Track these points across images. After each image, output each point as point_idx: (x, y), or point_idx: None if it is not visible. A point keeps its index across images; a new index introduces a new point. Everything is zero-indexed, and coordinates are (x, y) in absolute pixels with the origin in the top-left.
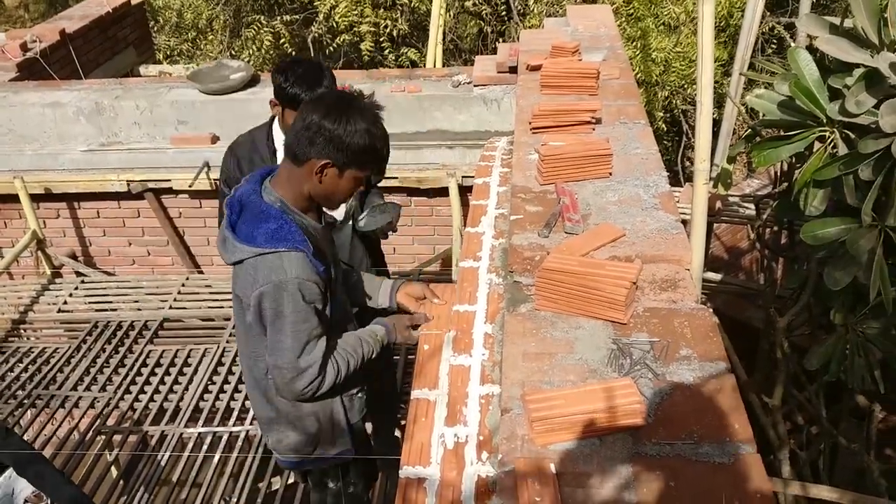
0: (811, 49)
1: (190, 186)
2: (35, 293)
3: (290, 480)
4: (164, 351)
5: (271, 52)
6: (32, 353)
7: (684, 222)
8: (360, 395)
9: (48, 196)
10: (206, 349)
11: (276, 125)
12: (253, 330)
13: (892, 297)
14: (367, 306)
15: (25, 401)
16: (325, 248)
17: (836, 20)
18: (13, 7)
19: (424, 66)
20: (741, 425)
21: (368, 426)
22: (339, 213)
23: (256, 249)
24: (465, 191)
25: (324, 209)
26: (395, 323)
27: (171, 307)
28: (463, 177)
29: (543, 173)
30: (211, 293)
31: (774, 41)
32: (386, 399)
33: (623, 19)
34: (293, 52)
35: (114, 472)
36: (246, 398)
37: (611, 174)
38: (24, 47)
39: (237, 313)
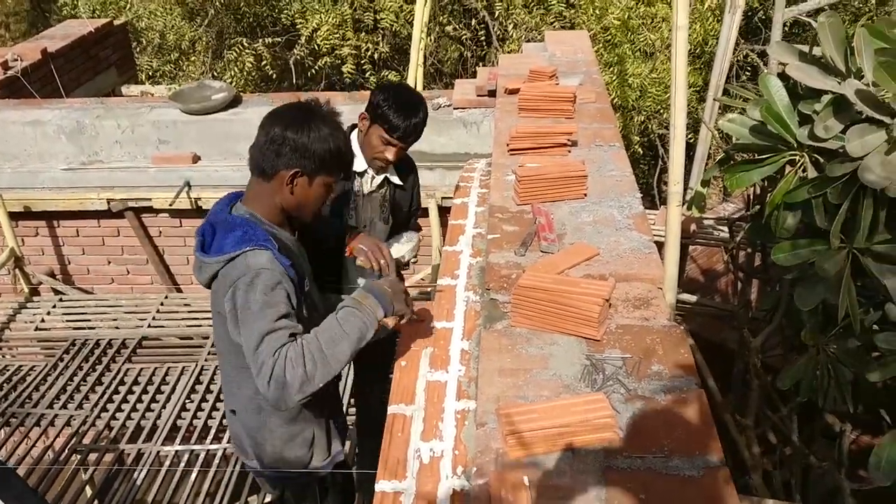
0: (783, 76)
1: (170, 205)
2: (12, 311)
3: (267, 499)
4: (141, 369)
5: (253, 73)
6: (8, 371)
7: (659, 244)
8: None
9: (27, 214)
10: (183, 367)
11: (353, 136)
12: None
13: (859, 317)
14: None
15: None
16: (298, 260)
17: (806, 48)
18: None
19: None
20: (711, 440)
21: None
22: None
23: (224, 257)
24: (444, 211)
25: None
26: (391, 287)
27: (149, 325)
28: (443, 198)
29: (520, 194)
30: (190, 312)
31: (748, 68)
32: (373, 419)
33: (600, 45)
34: (274, 75)
35: (88, 491)
36: (224, 417)
37: (586, 195)
38: (5, 66)
39: (220, 333)
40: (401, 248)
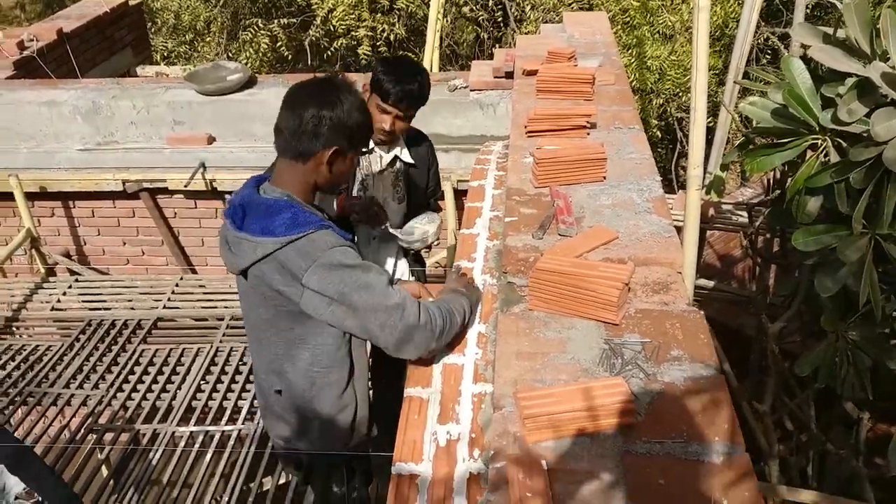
0: (805, 59)
1: (185, 186)
2: (28, 291)
3: (282, 481)
4: (157, 350)
5: (268, 54)
6: (25, 350)
7: (678, 229)
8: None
9: (43, 195)
10: (199, 349)
11: None
12: (299, 318)
13: (881, 304)
14: None
15: (17, 398)
16: None
17: (830, 30)
18: (9, 7)
19: None
20: (730, 425)
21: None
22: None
23: (282, 239)
24: (460, 194)
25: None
26: (464, 285)
27: (164, 307)
28: (458, 181)
29: (538, 176)
30: (205, 293)
31: (769, 51)
32: (389, 401)
33: (619, 27)
34: (289, 56)
35: (104, 470)
36: (239, 398)
37: (605, 178)
38: (20, 46)
39: (266, 315)
40: (424, 228)
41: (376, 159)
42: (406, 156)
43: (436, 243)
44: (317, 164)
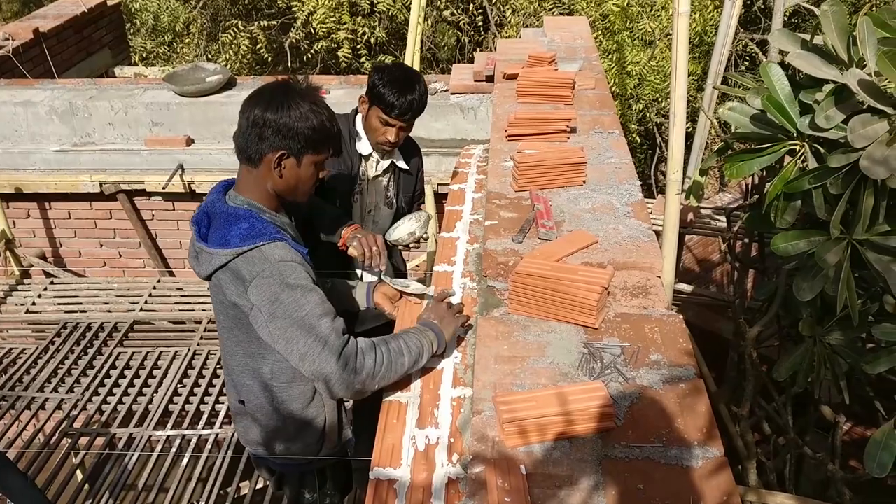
0: (783, 65)
1: (163, 188)
2: (2, 293)
3: (259, 485)
4: (133, 353)
5: (248, 56)
6: None
7: (657, 233)
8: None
9: (18, 196)
10: (176, 352)
11: (358, 118)
12: (254, 332)
13: (858, 309)
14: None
15: None
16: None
17: (808, 37)
18: None
19: None
20: (709, 429)
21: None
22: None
23: (234, 250)
24: (440, 198)
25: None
26: (438, 316)
27: (141, 309)
28: (439, 184)
29: (518, 180)
30: (182, 296)
31: (747, 58)
32: (369, 406)
33: (599, 32)
34: (269, 58)
35: (79, 475)
36: (217, 402)
37: (585, 182)
38: None
39: (227, 324)
40: (410, 224)
41: (372, 164)
42: (402, 163)
43: (425, 237)
44: (267, 169)
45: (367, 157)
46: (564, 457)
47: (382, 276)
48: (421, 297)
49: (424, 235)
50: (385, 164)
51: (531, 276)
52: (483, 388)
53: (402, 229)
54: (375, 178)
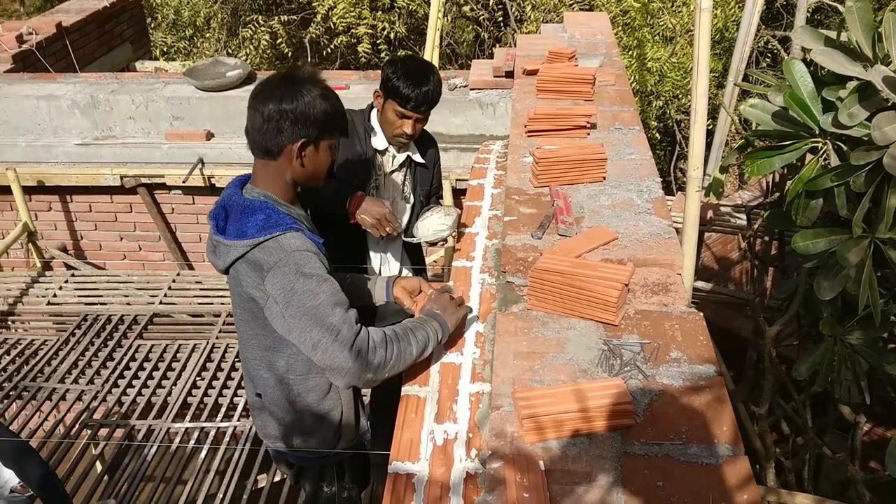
0: (805, 62)
1: (183, 182)
2: (24, 285)
3: (277, 478)
4: (153, 346)
5: (268, 51)
6: (20, 344)
7: (676, 231)
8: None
9: (40, 188)
10: (195, 345)
11: (373, 113)
12: (269, 324)
13: (880, 308)
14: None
15: (12, 392)
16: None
17: (831, 34)
18: (8, 0)
19: None
20: (729, 427)
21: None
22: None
23: (251, 241)
24: (458, 193)
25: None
26: (442, 307)
27: (161, 302)
28: (457, 179)
29: (538, 176)
30: (201, 289)
31: (769, 54)
32: (387, 400)
33: (619, 28)
34: (290, 53)
35: (98, 466)
36: (235, 394)
37: (605, 178)
38: (20, 39)
39: (244, 317)
40: (438, 222)
41: (388, 159)
42: (418, 157)
43: (453, 234)
44: (287, 160)
45: (383, 152)
46: (583, 453)
47: (404, 237)
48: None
49: (453, 233)
50: (401, 157)
51: (551, 272)
52: (502, 384)
53: (429, 228)
54: (392, 172)
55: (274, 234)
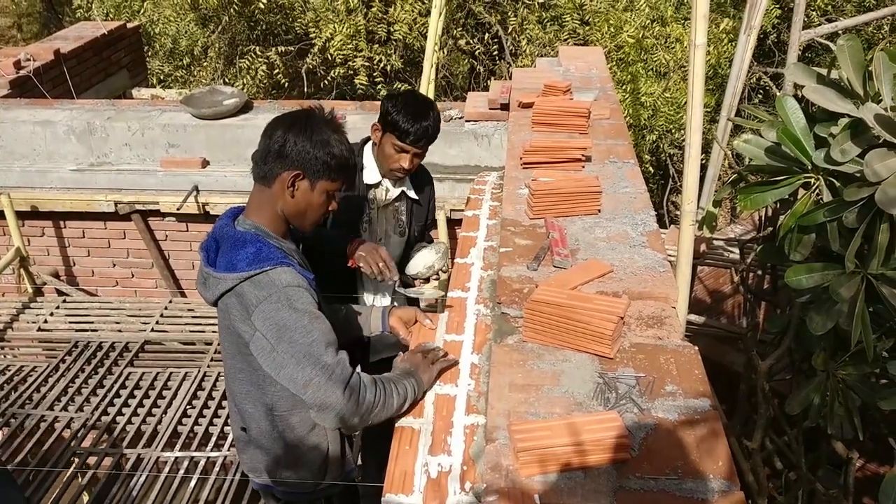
0: (797, 98)
1: (178, 209)
2: (15, 311)
3: None
4: (143, 373)
5: (265, 81)
6: (9, 371)
7: (670, 264)
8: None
9: (34, 214)
10: (186, 373)
11: (367, 148)
12: (254, 360)
13: (872, 343)
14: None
15: None
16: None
17: (823, 71)
18: (6, 27)
19: None
20: (724, 462)
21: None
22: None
23: (240, 275)
24: (453, 224)
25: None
26: (414, 365)
27: (152, 330)
28: (452, 210)
29: (534, 207)
30: (193, 317)
31: (760, 91)
32: (379, 432)
33: (614, 63)
34: (286, 83)
35: (86, 496)
36: (225, 424)
37: (600, 211)
38: (17, 65)
39: (231, 350)
40: (429, 257)
41: (382, 192)
42: (413, 193)
43: (445, 270)
44: (280, 189)
45: (376, 186)
46: (579, 487)
47: (396, 288)
48: (435, 305)
49: (444, 268)
50: (395, 192)
51: (546, 303)
52: (497, 416)
53: (420, 262)
54: (385, 206)
55: (264, 269)
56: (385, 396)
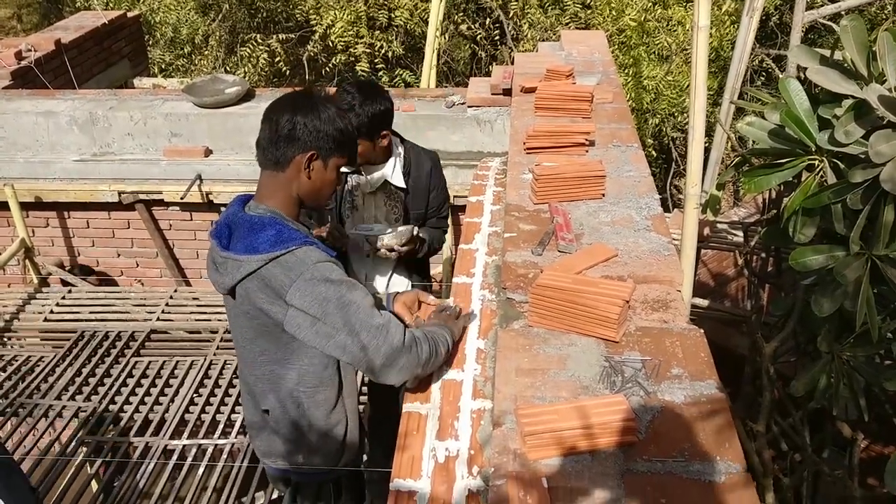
0: (800, 80)
1: (181, 199)
2: (21, 301)
3: (274, 496)
4: (150, 362)
5: (266, 69)
6: (16, 361)
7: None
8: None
9: (38, 205)
10: (192, 361)
11: None
12: (283, 338)
13: (877, 325)
14: None
15: (7, 410)
16: None
17: (826, 52)
18: (6, 17)
19: (419, 87)
20: (731, 444)
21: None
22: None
23: (265, 256)
24: (457, 209)
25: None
26: (442, 320)
27: (158, 319)
28: (455, 196)
29: (538, 192)
30: (199, 306)
31: (763, 73)
32: (387, 417)
33: (616, 47)
34: (287, 71)
35: (94, 484)
36: (233, 411)
37: (604, 195)
38: (18, 56)
39: (249, 335)
40: (390, 236)
41: (364, 181)
42: (398, 180)
43: (401, 248)
44: (296, 172)
45: (357, 172)
46: (586, 470)
47: (350, 232)
48: (391, 247)
49: (399, 247)
50: (375, 178)
51: (552, 288)
52: (504, 401)
53: (384, 240)
54: (373, 193)
55: (290, 249)
56: (436, 345)
